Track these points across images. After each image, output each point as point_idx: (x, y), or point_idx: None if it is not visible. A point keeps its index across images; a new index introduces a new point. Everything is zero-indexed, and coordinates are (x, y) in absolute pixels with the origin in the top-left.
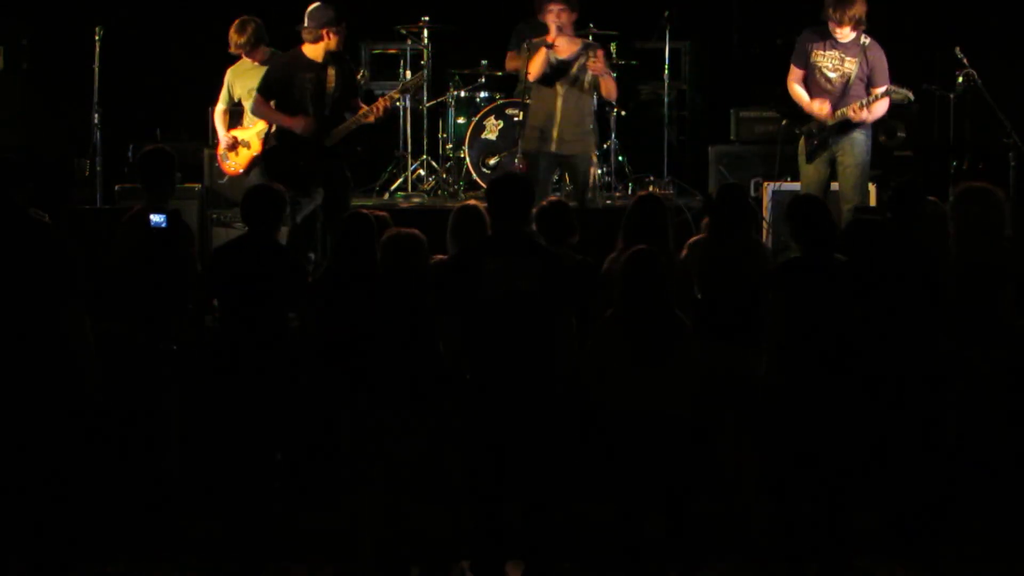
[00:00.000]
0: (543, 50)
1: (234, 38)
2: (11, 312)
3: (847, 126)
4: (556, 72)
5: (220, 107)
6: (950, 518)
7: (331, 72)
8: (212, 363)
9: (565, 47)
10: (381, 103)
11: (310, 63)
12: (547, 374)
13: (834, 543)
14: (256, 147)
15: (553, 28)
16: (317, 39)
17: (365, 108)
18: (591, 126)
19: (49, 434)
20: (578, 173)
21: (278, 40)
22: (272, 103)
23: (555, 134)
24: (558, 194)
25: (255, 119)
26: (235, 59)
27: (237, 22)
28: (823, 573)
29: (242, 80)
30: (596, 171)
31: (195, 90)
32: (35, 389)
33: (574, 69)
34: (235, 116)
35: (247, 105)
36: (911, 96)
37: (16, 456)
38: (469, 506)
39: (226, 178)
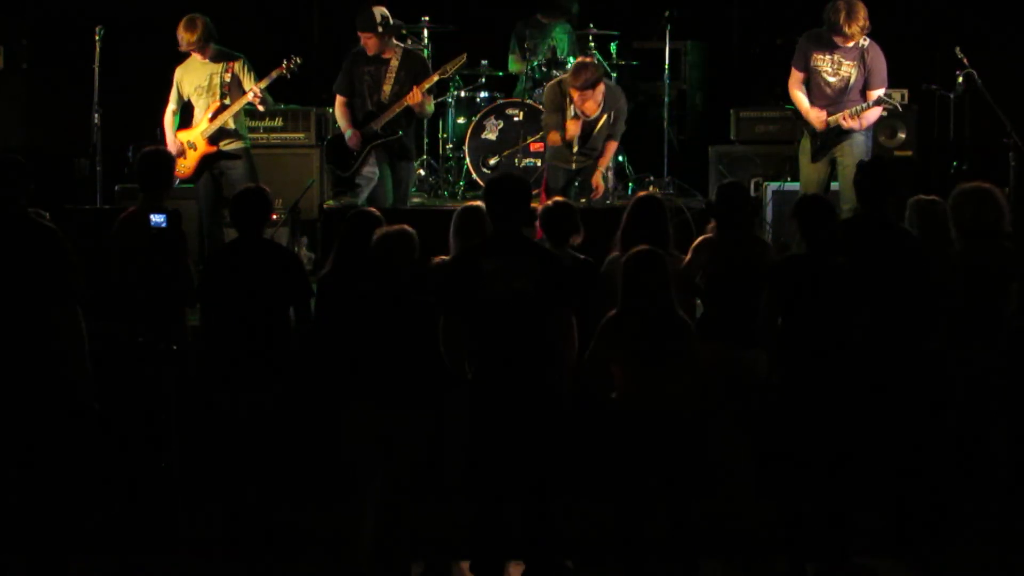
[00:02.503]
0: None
1: (184, 36)
2: (5, 311)
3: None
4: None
5: (170, 107)
6: (950, 518)
7: (393, 66)
8: (211, 364)
9: (590, 108)
10: (416, 89)
11: (370, 58)
12: (546, 373)
13: (834, 543)
14: (202, 147)
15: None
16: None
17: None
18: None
19: (43, 433)
20: (587, 180)
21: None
22: (343, 101)
23: (573, 158)
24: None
25: (201, 119)
26: (184, 57)
27: (186, 20)
28: (823, 573)
29: (190, 78)
30: (611, 175)
31: None
32: (28, 389)
33: (596, 128)
34: (187, 117)
35: (198, 104)
36: (898, 107)
37: (12, 455)
38: (469, 506)
39: (177, 181)
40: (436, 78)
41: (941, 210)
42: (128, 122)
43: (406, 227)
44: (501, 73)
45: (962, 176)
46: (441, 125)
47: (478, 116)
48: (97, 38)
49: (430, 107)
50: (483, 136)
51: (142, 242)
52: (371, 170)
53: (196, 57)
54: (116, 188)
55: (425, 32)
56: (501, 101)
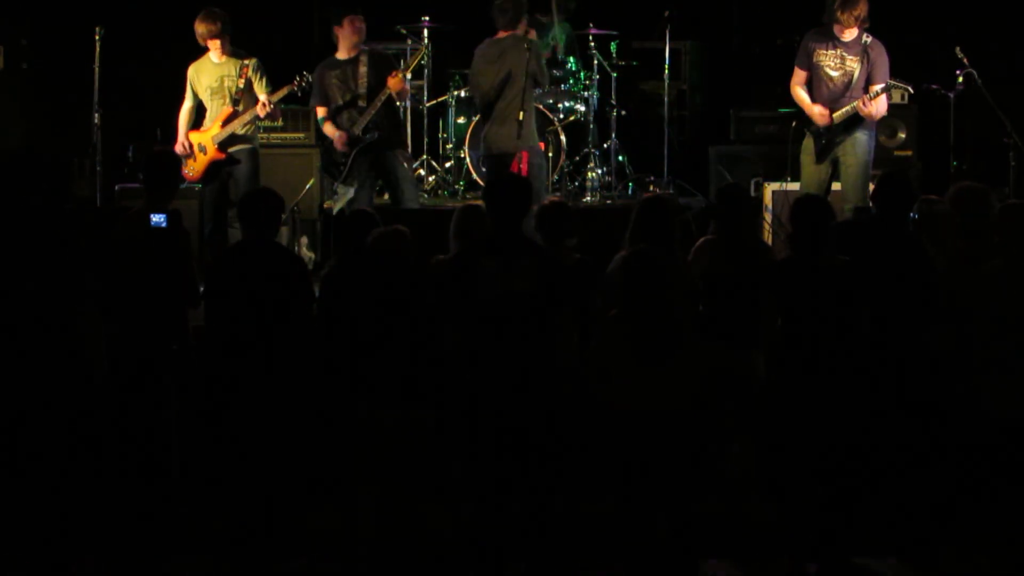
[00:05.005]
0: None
1: (204, 28)
2: (27, 313)
3: (852, 124)
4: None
5: (186, 105)
6: (951, 518)
7: (361, 69)
8: (215, 365)
9: None
10: (397, 73)
11: (337, 62)
12: (546, 374)
13: (834, 543)
14: (212, 152)
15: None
16: (336, 38)
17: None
18: None
19: (58, 435)
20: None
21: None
22: (323, 111)
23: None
24: (558, 194)
25: (213, 121)
26: (199, 55)
27: (204, 12)
28: (823, 573)
29: (202, 77)
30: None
31: None
32: (48, 390)
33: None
34: (199, 114)
35: (209, 105)
36: (910, 89)
37: (25, 457)
38: (469, 506)
39: (185, 183)
40: (401, 75)
41: (941, 210)
42: (128, 122)
43: (400, 227)
44: None
45: (962, 176)
46: (441, 125)
47: (478, 116)
48: (97, 38)
49: (407, 93)
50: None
51: (143, 242)
52: (352, 182)
53: (209, 56)
54: (116, 188)
55: (425, 32)
56: None
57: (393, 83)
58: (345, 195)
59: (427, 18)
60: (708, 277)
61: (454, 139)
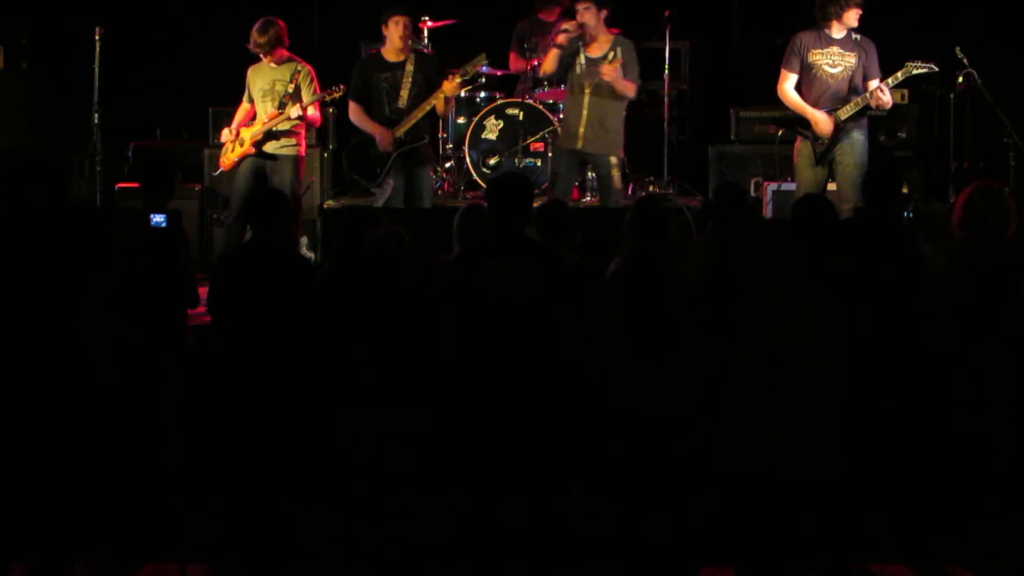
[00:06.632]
0: (553, 51)
1: (254, 37)
2: (32, 311)
3: (848, 125)
4: (584, 71)
5: (243, 105)
6: (954, 519)
7: (408, 70)
8: (217, 365)
9: (595, 46)
10: (454, 77)
11: (385, 63)
12: (547, 374)
13: (834, 543)
14: (247, 146)
15: (564, 35)
16: (384, 38)
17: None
18: (614, 127)
19: (63, 435)
20: (599, 174)
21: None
22: (361, 107)
23: (580, 131)
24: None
25: (261, 120)
26: (256, 58)
27: (260, 22)
28: (823, 573)
29: (257, 80)
30: (618, 174)
31: (195, 90)
32: (53, 388)
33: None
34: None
35: (259, 107)
36: (935, 67)
37: (29, 457)
38: (469, 506)
39: (219, 171)
40: (458, 79)
41: (940, 210)
42: (128, 122)
43: (396, 227)
44: (501, 72)
45: (962, 176)
46: (441, 125)
47: (478, 116)
48: (97, 38)
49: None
50: (483, 136)
51: (143, 242)
52: (390, 181)
53: (265, 60)
54: (116, 188)
55: (425, 31)
56: (501, 101)
57: (448, 87)
58: (382, 197)
59: (427, 18)
60: (705, 276)
61: (454, 139)
